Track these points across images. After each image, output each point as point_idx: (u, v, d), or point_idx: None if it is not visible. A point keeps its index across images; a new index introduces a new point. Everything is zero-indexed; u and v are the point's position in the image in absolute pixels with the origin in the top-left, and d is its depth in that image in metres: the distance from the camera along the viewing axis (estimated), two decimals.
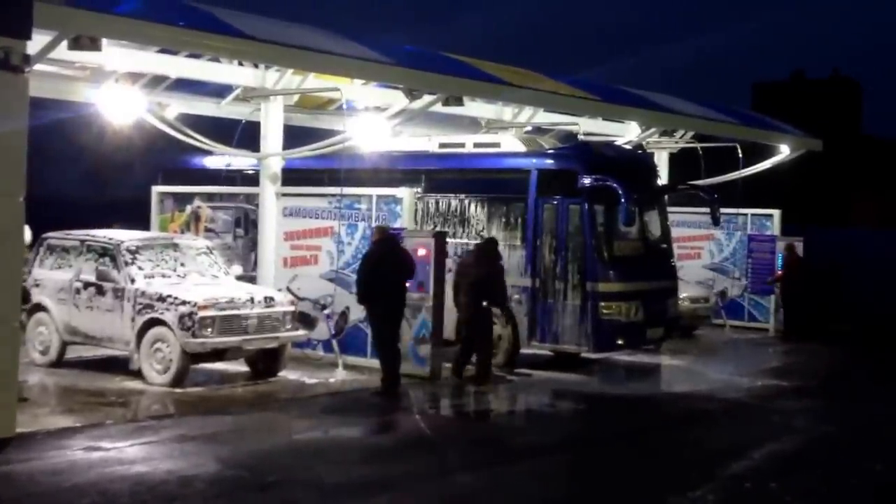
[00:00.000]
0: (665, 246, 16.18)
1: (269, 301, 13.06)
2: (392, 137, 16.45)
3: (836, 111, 56.72)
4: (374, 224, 13.80)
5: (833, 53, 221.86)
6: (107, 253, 13.23)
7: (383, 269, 12.78)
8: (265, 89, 14.80)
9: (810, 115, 44.33)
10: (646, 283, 15.05)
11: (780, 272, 19.81)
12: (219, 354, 12.76)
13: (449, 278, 14.03)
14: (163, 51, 13.43)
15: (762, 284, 20.19)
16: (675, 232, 18.32)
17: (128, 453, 9.33)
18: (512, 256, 14.44)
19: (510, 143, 16.18)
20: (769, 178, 21.51)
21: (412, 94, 13.87)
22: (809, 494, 8.94)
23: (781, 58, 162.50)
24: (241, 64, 14.59)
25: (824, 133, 23.15)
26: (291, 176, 15.33)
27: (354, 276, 13.70)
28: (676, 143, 20.45)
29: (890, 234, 25.55)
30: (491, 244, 14.07)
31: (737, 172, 20.31)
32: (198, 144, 14.68)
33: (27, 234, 11.50)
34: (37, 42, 9.93)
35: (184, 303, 12.32)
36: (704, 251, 21.18)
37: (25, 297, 11.35)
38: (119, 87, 13.80)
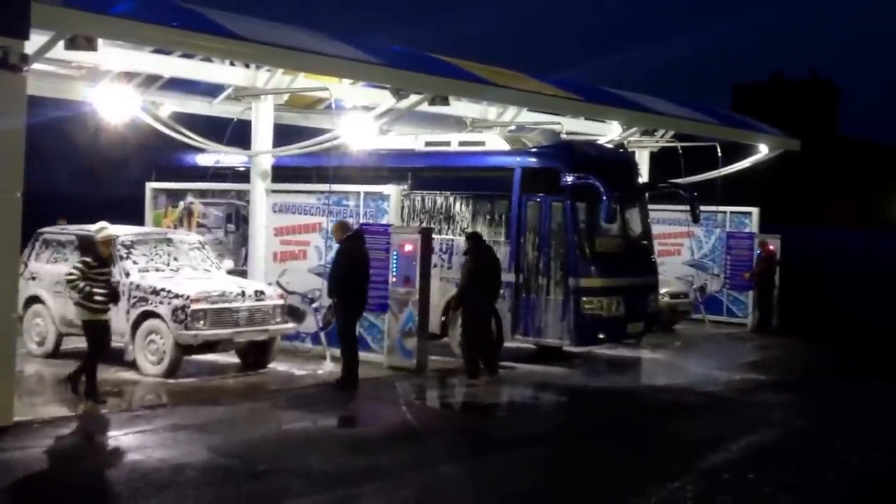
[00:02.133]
0: (646, 242, 16.39)
1: (259, 295, 13.30)
2: (379, 136, 16.66)
3: (813, 112, 57.02)
4: (350, 221, 13.84)
5: (812, 55, 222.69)
6: None
7: (357, 265, 12.84)
8: (256, 89, 14.97)
9: (788, 116, 44.55)
10: (627, 279, 15.28)
11: (754, 269, 20.16)
12: (210, 346, 12.99)
13: (434, 274, 14.27)
14: (157, 51, 13.58)
15: (740, 280, 20.52)
16: (656, 229, 18.56)
17: (122, 442, 9.54)
18: (496, 252, 14.61)
19: (495, 141, 16.29)
20: (748, 177, 21.78)
21: (399, 94, 14.02)
22: (787, 486, 9.03)
23: (761, 59, 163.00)
24: (232, 64, 14.73)
25: (802, 133, 23.39)
26: (281, 173, 15.53)
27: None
28: (657, 142, 20.61)
29: (865, 234, 25.92)
30: (477, 237, 14.22)
31: (716, 171, 20.46)
32: (191, 142, 14.86)
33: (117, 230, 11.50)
34: (34, 42, 10.08)
35: (177, 296, 12.55)
36: (684, 248, 21.40)
37: (115, 294, 11.49)
38: (114, 86, 14.00)
